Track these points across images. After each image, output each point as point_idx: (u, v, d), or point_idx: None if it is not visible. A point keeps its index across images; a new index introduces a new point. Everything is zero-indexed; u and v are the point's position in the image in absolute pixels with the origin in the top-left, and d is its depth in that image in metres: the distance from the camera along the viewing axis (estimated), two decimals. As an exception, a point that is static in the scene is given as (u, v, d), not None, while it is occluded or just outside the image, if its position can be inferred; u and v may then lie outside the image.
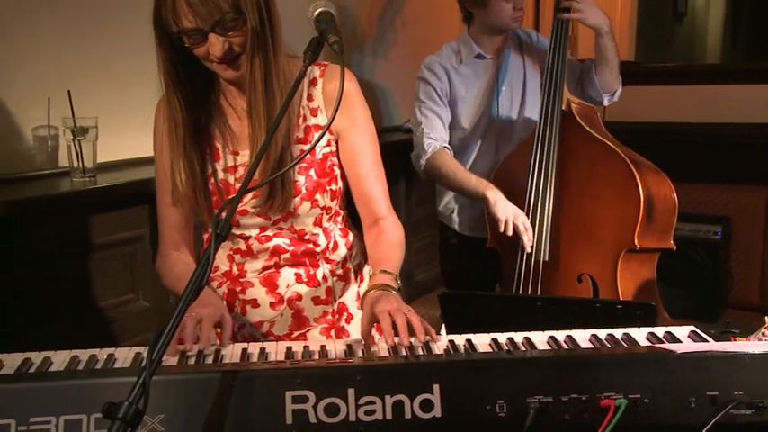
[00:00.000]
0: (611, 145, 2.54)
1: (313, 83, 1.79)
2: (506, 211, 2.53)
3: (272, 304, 1.83)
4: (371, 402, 1.30)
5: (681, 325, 1.68)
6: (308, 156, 1.77)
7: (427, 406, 1.31)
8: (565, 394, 1.32)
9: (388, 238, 1.82)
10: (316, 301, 1.85)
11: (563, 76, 2.64)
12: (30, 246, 2.21)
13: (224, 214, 1.33)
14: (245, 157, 1.78)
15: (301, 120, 1.78)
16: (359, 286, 1.95)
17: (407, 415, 1.30)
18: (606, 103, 2.84)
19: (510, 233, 2.52)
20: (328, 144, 1.80)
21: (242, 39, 1.62)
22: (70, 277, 2.37)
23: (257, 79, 1.66)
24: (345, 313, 1.90)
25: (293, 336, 1.85)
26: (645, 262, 2.53)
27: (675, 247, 2.54)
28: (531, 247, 2.52)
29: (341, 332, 1.88)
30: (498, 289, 2.77)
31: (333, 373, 1.34)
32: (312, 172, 1.77)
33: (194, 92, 1.74)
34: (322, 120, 1.79)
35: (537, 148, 2.61)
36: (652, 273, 2.56)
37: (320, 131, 1.76)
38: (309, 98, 1.78)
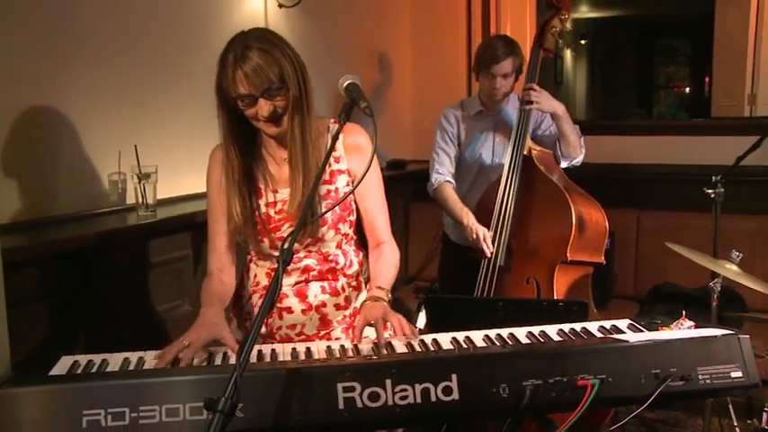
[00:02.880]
0: (554, 181, 2.53)
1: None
2: (477, 228, 2.57)
3: (302, 311, 1.74)
4: (405, 390, 1.25)
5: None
6: (333, 194, 1.71)
7: (448, 391, 1.26)
8: (551, 377, 1.29)
9: (387, 259, 1.76)
10: (337, 307, 1.77)
11: (524, 143, 2.65)
12: (107, 266, 2.09)
13: (287, 245, 1.26)
14: (282, 194, 1.70)
15: (327, 166, 1.71)
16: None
17: (433, 398, 1.25)
18: (564, 165, 2.78)
19: (477, 244, 2.55)
20: (347, 185, 1.74)
21: (285, 103, 1.56)
22: (135, 289, 2.25)
23: (297, 135, 1.60)
24: (359, 315, 1.81)
25: (320, 335, 1.76)
26: (579, 271, 2.51)
27: (605, 262, 2.53)
28: (492, 253, 2.54)
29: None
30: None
31: (374, 368, 1.28)
32: (336, 207, 1.70)
33: (245, 144, 1.67)
34: (343, 165, 1.73)
35: (503, 183, 2.63)
36: (586, 280, 2.53)
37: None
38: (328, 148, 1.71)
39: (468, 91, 4.39)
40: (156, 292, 2.34)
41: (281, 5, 2.99)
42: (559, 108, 2.66)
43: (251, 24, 1.65)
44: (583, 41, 10.23)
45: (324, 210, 1.66)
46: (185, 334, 1.49)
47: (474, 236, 2.57)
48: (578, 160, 2.79)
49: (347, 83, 1.50)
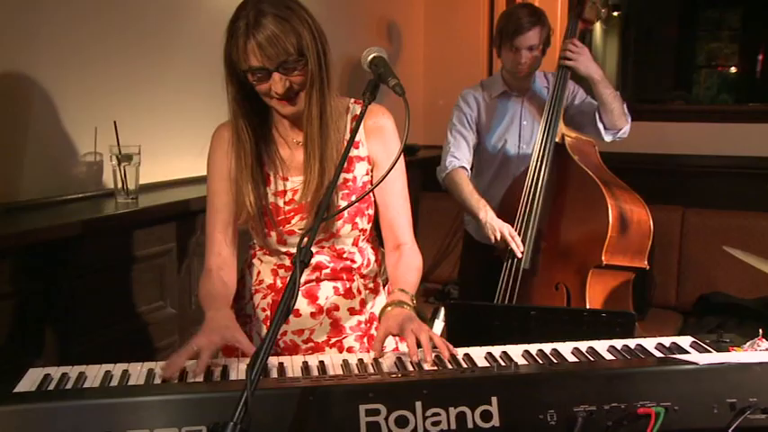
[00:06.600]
0: (590, 173, 2.49)
1: (354, 119, 1.68)
2: (494, 228, 2.54)
3: (312, 314, 1.71)
4: (437, 414, 1.21)
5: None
6: (351, 183, 1.67)
7: (487, 416, 1.21)
8: (606, 403, 1.25)
9: (408, 262, 1.72)
10: (351, 311, 1.75)
11: (560, 112, 2.62)
12: (80, 261, 2.05)
13: (305, 241, 1.22)
14: (293, 183, 1.67)
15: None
16: (386, 298, 1.84)
17: (470, 425, 1.20)
18: (608, 139, 2.76)
19: (502, 244, 2.51)
20: (367, 173, 1.71)
21: (302, 78, 1.52)
22: (111, 288, 2.21)
23: (314, 115, 1.56)
24: (375, 322, 1.78)
25: (330, 342, 1.74)
26: (617, 277, 2.47)
27: (648, 267, 2.49)
28: (522, 252, 2.50)
29: (372, 339, 1.76)
30: None
31: (401, 388, 1.24)
32: (354, 198, 1.66)
33: (256, 123, 1.63)
34: (363, 151, 1.70)
35: (531, 173, 2.59)
36: (626, 288, 2.50)
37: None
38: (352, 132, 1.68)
39: (490, 67, 4.35)
40: (135, 291, 2.30)
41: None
42: (597, 72, 2.63)
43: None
44: (616, 13, 10.17)
45: (341, 202, 1.63)
46: (192, 339, 1.44)
47: (497, 236, 2.53)
48: (625, 131, 2.76)
49: (372, 56, 1.45)
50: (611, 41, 10.43)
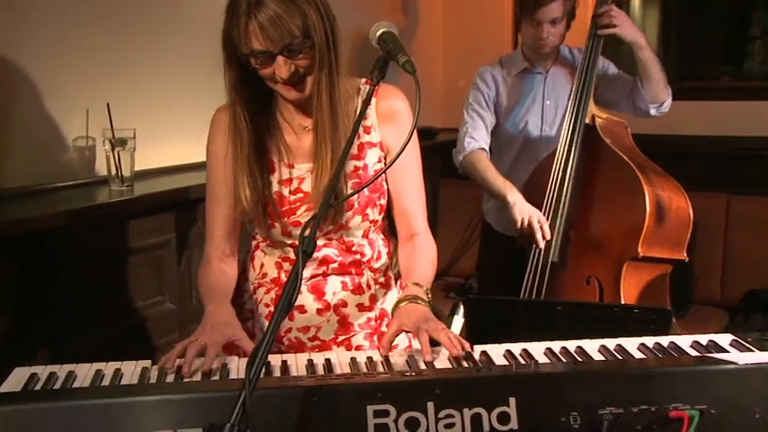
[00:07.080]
0: (624, 158, 2.49)
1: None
2: (522, 212, 2.53)
3: (318, 311, 1.73)
4: (450, 416, 1.21)
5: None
6: (362, 172, 1.69)
7: (504, 419, 1.22)
8: (635, 405, 1.25)
9: (422, 254, 1.74)
10: (360, 307, 1.76)
11: (591, 90, 2.61)
12: (70, 254, 2.08)
13: (308, 231, 1.24)
14: (299, 170, 1.68)
15: (356, 137, 1.68)
16: (398, 293, 1.86)
17: (486, 427, 1.21)
18: (653, 112, 2.76)
19: (527, 230, 2.51)
20: (379, 160, 1.71)
21: (308, 62, 1.53)
22: (104, 283, 2.24)
23: (324, 100, 1.57)
24: (386, 319, 1.80)
25: (338, 341, 1.75)
26: (654, 270, 2.47)
27: (688, 259, 2.48)
28: (547, 243, 2.51)
29: (382, 337, 1.78)
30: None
31: (412, 387, 1.25)
32: (362, 185, 1.67)
33: (257, 107, 1.64)
34: (375, 137, 1.70)
35: (558, 157, 2.59)
36: (663, 281, 2.50)
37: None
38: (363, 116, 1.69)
39: (515, 43, 4.34)
40: (131, 285, 2.33)
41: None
42: (641, 37, 2.63)
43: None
44: (657, -19, 10.08)
45: (350, 191, 1.64)
46: (193, 335, 1.48)
47: (524, 219, 2.52)
48: (667, 104, 2.77)
49: (381, 31, 1.46)
50: (650, 14, 10.34)
